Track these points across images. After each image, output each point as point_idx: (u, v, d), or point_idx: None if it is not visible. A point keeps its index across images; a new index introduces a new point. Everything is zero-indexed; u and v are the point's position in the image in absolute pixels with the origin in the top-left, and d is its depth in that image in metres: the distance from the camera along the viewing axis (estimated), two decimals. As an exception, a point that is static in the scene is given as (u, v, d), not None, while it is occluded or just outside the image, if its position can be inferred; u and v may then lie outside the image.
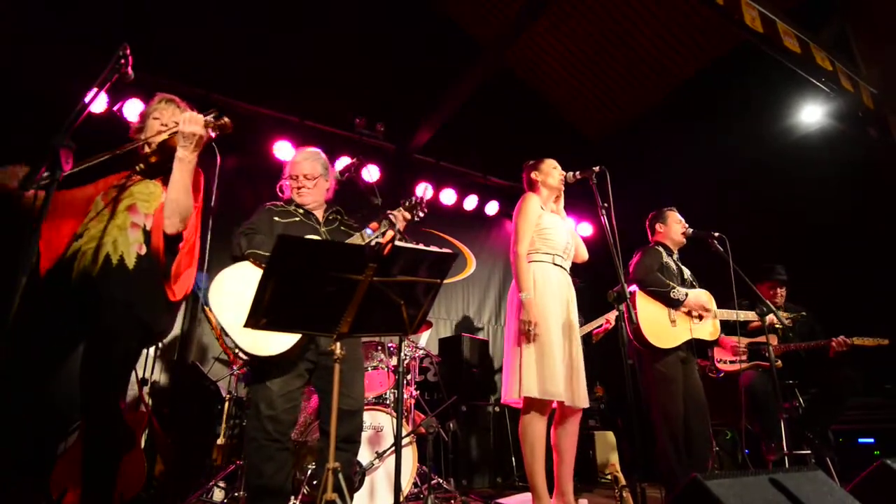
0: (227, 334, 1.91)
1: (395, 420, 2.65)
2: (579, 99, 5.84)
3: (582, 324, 3.14)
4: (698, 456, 2.72)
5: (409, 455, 2.88)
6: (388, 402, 3.13)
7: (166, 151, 1.81)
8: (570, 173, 2.65)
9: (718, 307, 3.04)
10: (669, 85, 5.26)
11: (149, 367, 3.54)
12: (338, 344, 1.54)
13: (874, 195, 3.99)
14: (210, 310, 3.38)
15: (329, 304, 1.49)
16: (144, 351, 3.53)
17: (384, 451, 2.79)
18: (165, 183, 1.82)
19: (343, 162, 4.53)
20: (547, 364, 2.28)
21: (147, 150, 1.83)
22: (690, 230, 3.11)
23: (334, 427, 1.55)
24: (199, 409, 3.59)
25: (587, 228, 6.11)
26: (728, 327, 3.22)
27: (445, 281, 1.61)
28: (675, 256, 3.14)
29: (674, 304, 2.85)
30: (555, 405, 2.39)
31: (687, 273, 3.12)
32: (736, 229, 3.10)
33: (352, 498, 2.61)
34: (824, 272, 3.98)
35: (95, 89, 1.41)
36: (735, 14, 3.27)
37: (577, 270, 2.68)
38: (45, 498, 2.14)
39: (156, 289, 1.74)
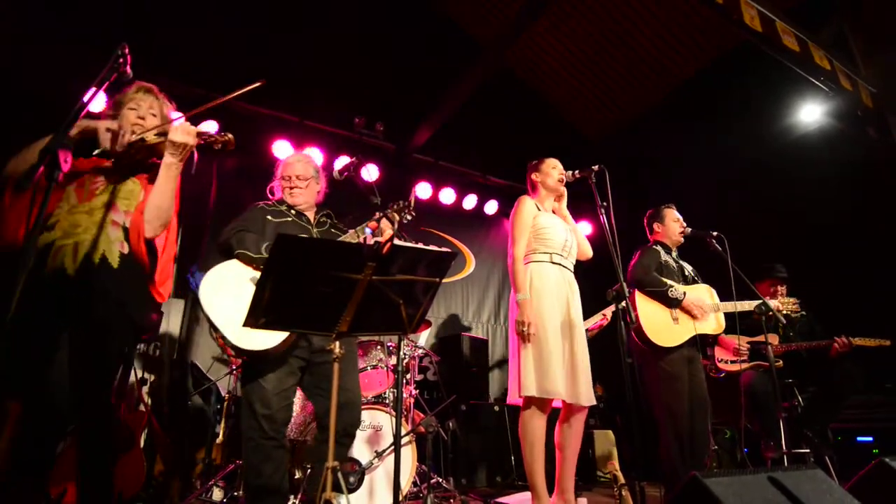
0: (216, 329, 1.91)
1: (394, 419, 2.65)
2: (579, 99, 5.84)
3: None
4: (698, 454, 2.72)
5: (409, 454, 2.88)
6: (387, 401, 3.13)
7: (149, 151, 1.76)
8: (569, 172, 2.66)
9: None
10: (669, 85, 5.26)
11: (148, 367, 3.55)
12: (337, 343, 1.54)
13: (874, 194, 4.00)
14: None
15: (328, 303, 1.49)
16: (144, 352, 3.56)
17: (383, 451, 2.79)
18: (146, 181, 1.79)
19: (342, 161, 4.53)
20: (544, 363, 2.29)
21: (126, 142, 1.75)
22: (689, 229, 3.11)
23: (333, 424, 1.55)
24: (199, 408, 3.59)
25: (587, 228, 6.11)
26: (729, 328, 3.22)
27: (445, 280, 1.62)
28: (675, 254, 3.14)
29: (672, 302, 2.85)
30: (559, 404, 2.40)
31: (688, 269, 3.11)
32: (736, 229, 3.10)
33: (350, 493, 2.61)
34: (824, 272, 3.99)
35: (94, 89, 1.41)
36: (734, 14, 3.27)
37: (576, 269, 2.68)
38: (45, 498, 2.14)
39: (141, 287, 1.73)
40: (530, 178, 2.77)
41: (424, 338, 4.02)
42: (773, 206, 4.58)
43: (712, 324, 2.96)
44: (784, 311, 3.12)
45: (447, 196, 5.46)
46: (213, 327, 1.93)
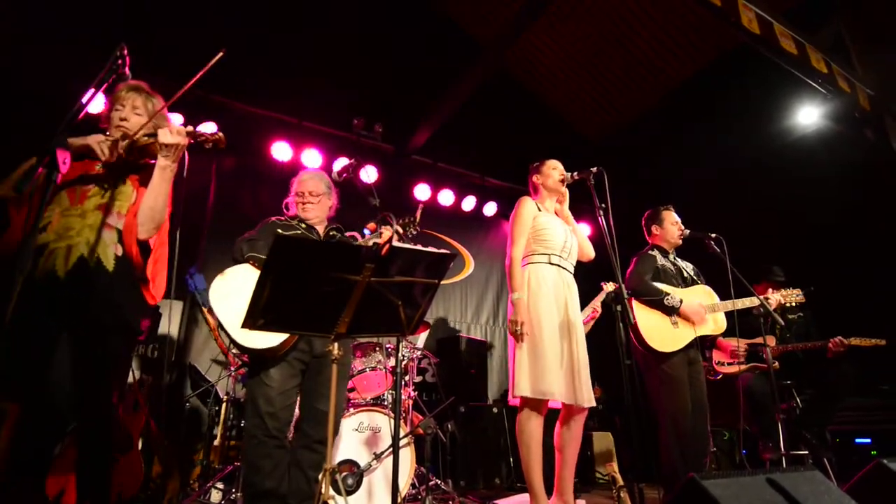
0: (224, 329, 1.97)
1: (392, 421, 2.65)
2: (576, 101, 5.85)
3: None
4: (698, 456, 2.72)
5: (407, 456, 2.87)
6: (385, 402, 3.13)
7: (140, 152, 1.76)
8: (569, 174, 2.66)
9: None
10: (667, 87, 5.28)
11: (146, 368, 3.54)
12: (335, 345, 1.54)
13: (872, 194, 4.01)
14: (209, 310, 3.39)
15: (326, 304, 1.49)
16: (143, 353, 3.55)
17: (382, 452, 2.79)
18: (138, 182, 1.78)
19: (341, 163, 4.53)
20: (539, 363, 2.29)
21: (116, 141, 1.75)
22: (687, 231, 3.10)
23: (331, 427, 1.55)
24: (197, 410, 3.59)
25: (586, 229, 6.11)
26: (728, 329, 3.22)
27: (443, 282, 1.62)
28: (673, 256, 3.14)
29: (669, 311, 2.85)
30: (558, 405, 2.39)
31: (689, 270, 3.10)
32: (735, 229, 3.10)
33: (349, 495, 2.61)
34: (823, 271, 3.99)
35: (93, 90, 1.41)
36: (732, 16, 3.28)
37: (576, 270, 2.68)
38: (43, 499, 2.14)
39: (135, 290, 1.72)
40: (531, 180, 2.78)
41: (423, 339, 4.01)
42: (772, 205, 4.60)
43: (710, 325, 2.95)
44: (788, 304, 3.09)
45: (446, 198, 5.46)
46: (220, 327, 2.01)
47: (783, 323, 3.12)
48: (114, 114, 1.82)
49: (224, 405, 3.22)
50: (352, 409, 2.87)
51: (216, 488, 2.93)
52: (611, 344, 2.32)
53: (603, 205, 2.30)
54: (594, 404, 2.36)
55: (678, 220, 3.15)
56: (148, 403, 3.34)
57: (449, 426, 3.57)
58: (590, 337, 2.56)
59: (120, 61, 1.44)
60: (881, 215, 3.91)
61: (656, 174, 5.53)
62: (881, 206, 3.92)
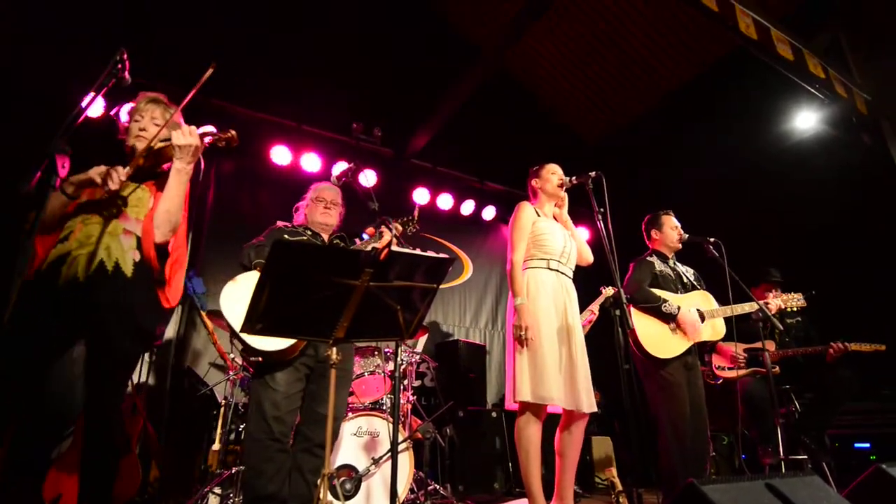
0: (236, 335, 1.99)
1: (391, 425, 2.64)
2: (573, 102, 5.86)
3: None
4: (698, 461, 2.71)
5: (406, 461, 2.86)
6: (384, 407, 3.12)
7: (156, 157, 1.79)
8: (567, 178, 2.66)
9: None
10: (666, 89, 5.29)
11: (144, 372, 3.53)
12: (334, 349, 1.54)
13: (871, 197, 4.03)
14: (207, 314, 3.39)
15: (325, 308, 1.49)
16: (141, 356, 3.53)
17: (381, 457, 2.78)
18: (154, 188, 1.81)
19: (340, 167, 4.53)
20: (539, 368, 2.29)
21: (135, 152, 1.80)
22: (686, 235, 3.10)
23: (329, 431, 1.54)
24: (195, 414, 3.57)
25: (584, 233, 6.12)
26: (727, 334, 3.22)
27: (442, 286, 1.62)
28: (672, 261, 3.13)
29: (667, 318, 2.85)
30: (558, 410, 2.39)
31: (689, 275, 3.10)
32: (734, 232, 3.10)
33: (347, 499, 2.60)
34: (822, 273, 4.00)
35: (92, 94, 1.42)
36: (729, 21, 3.30)
37: (575, 275, 2.68)
38: (40, 501, 2.13)
39: (152, 295, 1.75)
40: (530, 184, 2.77)
41: (422, 343, 4.01)
42: (771, 206, 4.61)
43: (709, 330, 2.95)
44: (789, 308, 3.10)
45: (445, 202, 5.47)
46: (233, 334, 2.04)
47: (782, 328, 3.12)
48: (133, 125, 1.87)
49: (222, 409, 3.20)
50: (350, 414, 2.86)
51: (214, 493, 2.91)
52: (609, 348, 2.32)
53: (602, 209, 2.30)
54: (595, 410, 2.35)
55: (678, 224, 3.15)
56: (146, 408, 3.33)
57: (447, 430, 3.56)
58: (588, 341, 2.56)
59: (120, 66, 1.44)
60: (880, 217, 3.93)
61: (656, 175, 5.54)
62: (879, 208, 3.94)
